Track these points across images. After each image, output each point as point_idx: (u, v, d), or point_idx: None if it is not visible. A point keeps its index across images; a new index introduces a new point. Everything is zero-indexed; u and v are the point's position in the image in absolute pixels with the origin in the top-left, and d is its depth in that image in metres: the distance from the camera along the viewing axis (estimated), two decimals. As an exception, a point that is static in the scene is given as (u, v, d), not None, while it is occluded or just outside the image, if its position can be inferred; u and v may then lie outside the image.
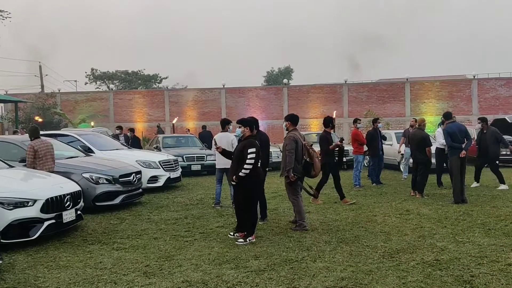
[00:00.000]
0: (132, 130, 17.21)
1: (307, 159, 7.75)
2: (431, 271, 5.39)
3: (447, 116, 10.25)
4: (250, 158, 6.71)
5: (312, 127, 28.38)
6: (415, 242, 6.65)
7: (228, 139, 9.60)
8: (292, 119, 7.90)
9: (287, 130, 7.89)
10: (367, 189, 11.97)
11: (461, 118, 26.20)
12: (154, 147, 16.85)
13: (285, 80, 36.66)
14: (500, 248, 6.22)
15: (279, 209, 9.19)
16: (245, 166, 6.70)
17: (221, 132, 9.97)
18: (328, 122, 10.18)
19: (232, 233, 7.13)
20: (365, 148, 12.84)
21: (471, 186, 11.52)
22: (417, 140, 10.42)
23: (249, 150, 6.75)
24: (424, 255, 5.98)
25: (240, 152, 6.89)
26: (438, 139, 12.33)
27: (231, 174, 7.10)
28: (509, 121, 16.91)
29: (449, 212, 8.65)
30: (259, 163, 7.10)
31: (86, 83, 55.62)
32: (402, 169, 14.46)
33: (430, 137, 11.49)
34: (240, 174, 6.73)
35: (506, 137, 15.29)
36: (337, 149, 10.29)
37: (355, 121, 12.55)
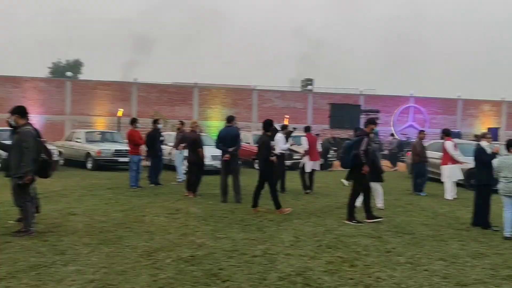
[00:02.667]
0: None
1: (45, 157, 6.99)
2: (184, 267, 5.56)
3: (228, 119, 10.77)
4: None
5: (98, 125, 27.06)
6: (177, 240, 6.82)
7: None
8: (20, 112, 6.82)
9: (16, 124, 6.79)
10: (144, 190, 11.89)
11: (243, 124, 28.36)
12: None
13: (68, 73, 34.06)
14: (251, 241, 6.80)
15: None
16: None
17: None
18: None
19: None
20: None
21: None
22: (190, 141, 10.79)
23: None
24: (182, 252, 6.15)
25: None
26: (278, 144, 12.54)
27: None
28: (278, 129, 18.74)
29: (216, 210, 9.16)
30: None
31: None
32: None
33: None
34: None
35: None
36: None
37: (133, 121, 12.48)
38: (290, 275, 5.37)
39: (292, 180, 13.19)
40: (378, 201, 9.84)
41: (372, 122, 8.97)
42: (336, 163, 20.99)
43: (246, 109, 30.03)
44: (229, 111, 28.59)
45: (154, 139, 12.79)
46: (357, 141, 8.54)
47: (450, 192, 11.95)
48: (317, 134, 25.42)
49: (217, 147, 10.30)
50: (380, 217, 8.47)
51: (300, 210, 9.52)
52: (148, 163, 13.18)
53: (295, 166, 18.74)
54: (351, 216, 8.40)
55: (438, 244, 7.03)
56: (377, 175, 9.54)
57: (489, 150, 8.59)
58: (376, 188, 9.76)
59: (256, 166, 18.77)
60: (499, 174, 7.78)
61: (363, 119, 27.56)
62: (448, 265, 5.97)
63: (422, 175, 12.81)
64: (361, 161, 8.30)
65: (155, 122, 13.12)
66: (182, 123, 13.89)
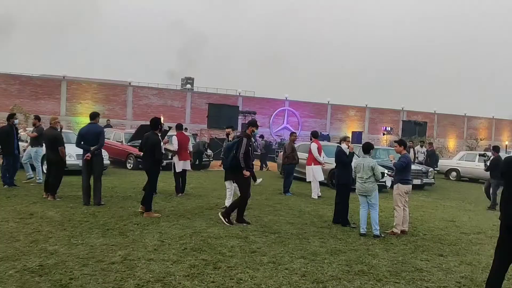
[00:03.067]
0: None
1: None
2: (29, 278, 4.99)
3: (92, 116, 10.02)
4: None
5: None
6: (25, 248, 6.12)
7: None
8: None
9: None
10: (-6, 192, 10.61)
11: (116, 122, 27.09)
12: None
13: None
14: (111, 247, 6.35)
15: None
16: None
17: None
18: None
19: None
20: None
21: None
22: (49, 139, 9.87)
23: None
24: (29, 262, 5.53)
25: None
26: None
27: None
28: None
29: (76, 214, 8.47)
30: None
31: None
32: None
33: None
34: None
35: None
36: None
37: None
38: (149, 281, 5.08)
39: (165, 180, 12.83)
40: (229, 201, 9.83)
41: (253, 124, 8.74)
42: (214, 163, 21.06)
43: (120, 105, 28.68)
44: (101, 108, 27.14)
45: (7, 136, 11.48)
46: (237, 142, 8.46)
47: (316, 191, 12.58)
48: (195, 134, 25.44)
49: (78, 145, 9.56)
50: (248, 223, 8.43)
51: (169, 212, 9.22)
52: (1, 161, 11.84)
53: (169, 166, 18.35)
54: (227, 214, 8.28)
55: (301, 242, 7.25)
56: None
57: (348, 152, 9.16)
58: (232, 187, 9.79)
59: (129, 166, 18.07)
60: (356, 175, 8.31)
61: (240, 120, 28.07)
62: (308, 262, 6.17)
63: (289, 176, 13.28)
64: (240, 164, 8.15)
65: (10, 117, 11.78)
66: (38, 119, 12.66)
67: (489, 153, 14.30)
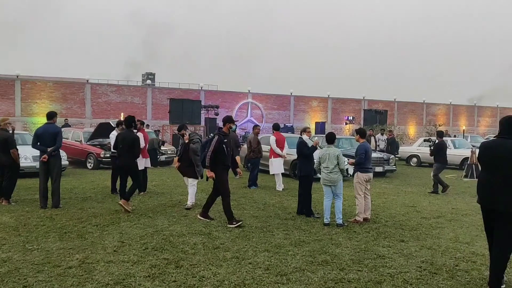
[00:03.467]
0: None
1: None
2: (-21, 289, 4.73)
3: (48, 116, 9.64)
4: None
5: None
6: (-24, 257, 5.82)
7: None
8: None
9: None
10: None
11: (74, 121, 26.34)
12: None
13: None
14: (68, 251, 6.13)
15: None
16: None
17: None
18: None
19: None
20: None
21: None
22: (0, 141, 9.41)
23: None
24: (-21, 272, 5.24)
25: None
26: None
27: None
28: (113, 125, 17.81)
29: (32, 218, 8.14)
30: None
31: None
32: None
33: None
34: None
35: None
36: None
37: None
38: (108, 284, 4.92)
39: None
40: (189, 200, 9.62)
41: (229, 120, 8.32)
42: (176, 160, 20.74)
43: (79, 104, 27.86)
44: (58, 107, 26.32)
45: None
46: (208, 140, 8.31)
47: (280, 183, 12.58)
48: (157, 130, 25.01)
49: (34, 146, 9.20)
50: (212, 218, 8.30)
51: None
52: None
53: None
54: (231, 219, 7.89)
55: (265, 236, 7.21)
56: (193, 170, 9.49)
57: (310, 143, 9.17)
58: (193, 184, 9.65)
59: (89, 165, 17.59)
60: (321, 165, 8.31)
61: (203, 114, 27.81)
62: (271, 255, 6.13)
63: (254, 170, 13.22)
64: (210, 162, 7.92)
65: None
66: None
67: (433, 138, 14.73)
